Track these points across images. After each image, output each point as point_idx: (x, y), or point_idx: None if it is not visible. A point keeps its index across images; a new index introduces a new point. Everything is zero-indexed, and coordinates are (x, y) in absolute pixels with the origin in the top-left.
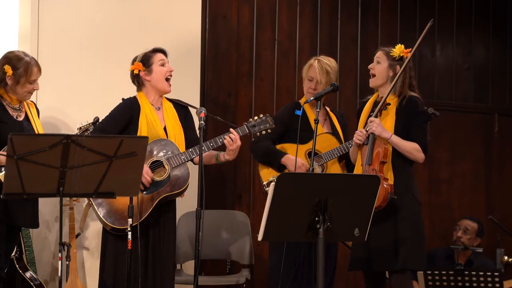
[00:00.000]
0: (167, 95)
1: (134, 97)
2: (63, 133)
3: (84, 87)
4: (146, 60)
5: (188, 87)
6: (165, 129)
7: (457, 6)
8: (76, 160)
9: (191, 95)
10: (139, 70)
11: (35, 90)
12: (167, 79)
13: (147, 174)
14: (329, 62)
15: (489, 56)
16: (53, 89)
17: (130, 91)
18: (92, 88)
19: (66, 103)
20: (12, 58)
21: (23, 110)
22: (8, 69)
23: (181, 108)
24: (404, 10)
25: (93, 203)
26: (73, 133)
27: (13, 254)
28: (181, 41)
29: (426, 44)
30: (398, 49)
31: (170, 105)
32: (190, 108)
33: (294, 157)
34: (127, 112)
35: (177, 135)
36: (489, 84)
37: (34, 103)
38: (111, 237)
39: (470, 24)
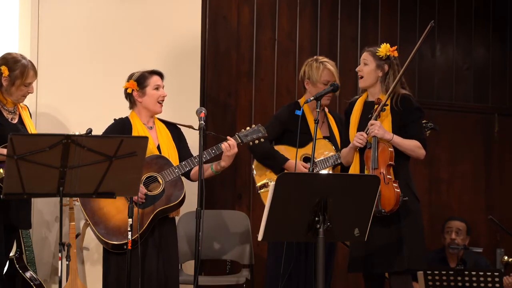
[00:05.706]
0: (159, 116)
1: (126, 118)
2: (63, 133)
3: (84, 87)
4: (141, 80)
5: (188, 87)
6: (158, 147)
7: (457, 6)
8: (76, 160)
9: (191, 95)
10: (132, 90)
11: (29, 93)
12: (159, 102)
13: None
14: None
15: (489, 56)
16: (53, 89)
17: None
18: (92, 88)
19: (65, 103)
20: (10, 60)
21: (17, 112)
22: (4, 70)
23: (174, 127)
24: (404, 10)
25: (91, 224)
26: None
27: (13, 254)
28: (181, 41)
29: (426, 44)
30: (384, 48)
31: (163, 124)
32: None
33: (296, 163)
34: (118, 133)
35: (171, 154)
36: (489, 84)
37: (27, 106)
38: (113, 256)
39: (470, 24)
